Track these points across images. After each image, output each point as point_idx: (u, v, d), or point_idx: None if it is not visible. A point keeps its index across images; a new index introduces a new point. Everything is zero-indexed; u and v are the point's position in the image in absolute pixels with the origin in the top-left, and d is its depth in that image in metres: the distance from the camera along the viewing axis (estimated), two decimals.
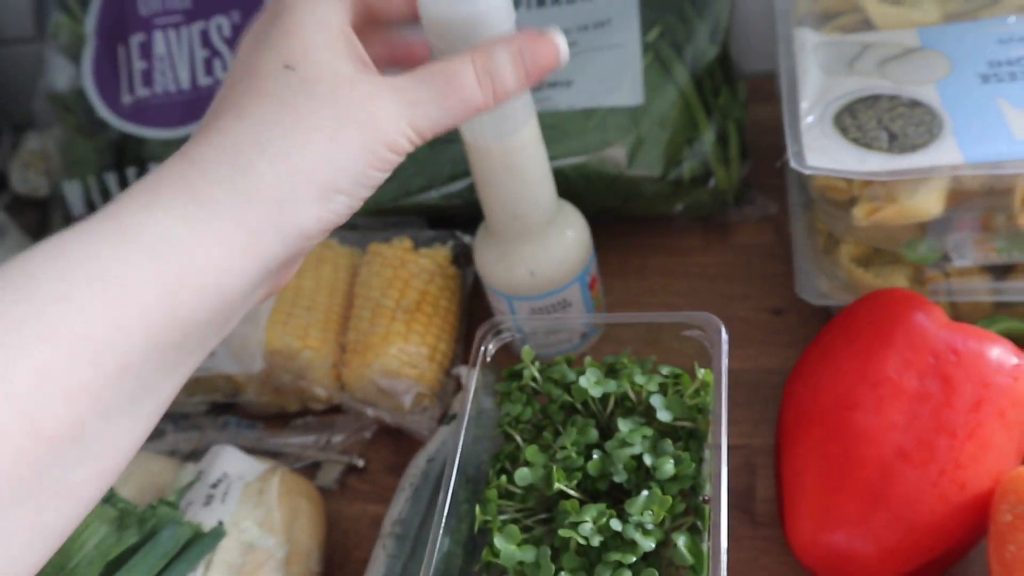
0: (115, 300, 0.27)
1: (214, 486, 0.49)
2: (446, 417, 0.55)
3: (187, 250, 0.29)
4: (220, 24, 0.70)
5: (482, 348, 0.47)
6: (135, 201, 0.30)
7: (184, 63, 0.69)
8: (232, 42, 0.69)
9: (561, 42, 0.37)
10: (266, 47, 0.33)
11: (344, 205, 0.33)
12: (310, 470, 0.56)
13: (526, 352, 0.46)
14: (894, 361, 0.44)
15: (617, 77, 0.62)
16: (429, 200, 0.62)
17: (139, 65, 0.70)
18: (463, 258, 0.61)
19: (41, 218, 0.79)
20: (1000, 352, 0.44)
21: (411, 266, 0.58)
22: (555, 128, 0.60)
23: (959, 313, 0.53)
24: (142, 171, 0.68)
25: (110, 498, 0.45)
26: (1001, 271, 0.52)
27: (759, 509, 0.51)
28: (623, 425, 0.43)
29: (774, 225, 0.64)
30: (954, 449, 0.41)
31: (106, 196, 0.69)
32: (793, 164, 0.46)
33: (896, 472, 0.42)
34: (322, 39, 0.33)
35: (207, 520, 0.48)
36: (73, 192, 0.70)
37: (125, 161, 0.69)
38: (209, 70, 0.69)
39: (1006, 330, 0.50)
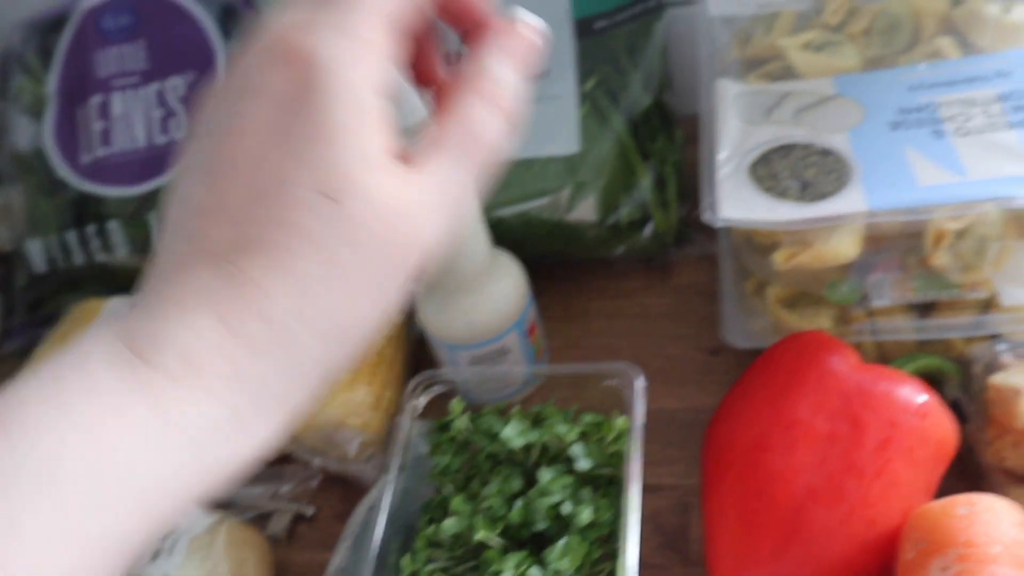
0: (150, 501, 0.26)
1: (162, 540, 0.51)
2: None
3: (226, 444, 0.27)
4: (176, 84, 0.72)
5: (412, 403, 0.49)
6: (176, 383, 0.26)
7: (140, 122, 0.71)
8: (187, 100, 0.71)
9: (536, 24, 0.31)
10: (297, 158, 0.27)
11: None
12: (261, 520, 0.58)
13: (455, 404, 0.48)
14: (806, 403, 0.46)
15: (555, 127, 0.64)
16: None
17: (98, 125, 0.72)
18: (410, 308, 0.63)
19: (6, 272, 0.80)
20: (908, 391, 0.46)
21: None
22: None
23: (884, 351, 0.55)
24: (101, 229, 0.70)
25: None
26: (922, 310, 0.54)
27: (692, 548, 0.52)
28: (544, 474, 0.44)
29: (714, 264, 0.66)
30: (862, 488, 0.43)
31: (67, 254, 0.71)
32: (705, 216, 0.48)
33: (808, 511, 0.43)
34: (362, 146, 0.27)
35: (154, 573, 0.49)
36: (35, 250, 0.72)
37: (85, 219, 0.71)
38: (165, 129, 0.71)
39: (923, 367, 0.51)
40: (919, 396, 0.45)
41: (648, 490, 0.52)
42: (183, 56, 0.72)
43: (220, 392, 0.26)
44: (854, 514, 0.43)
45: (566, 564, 0.41)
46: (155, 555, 0.50)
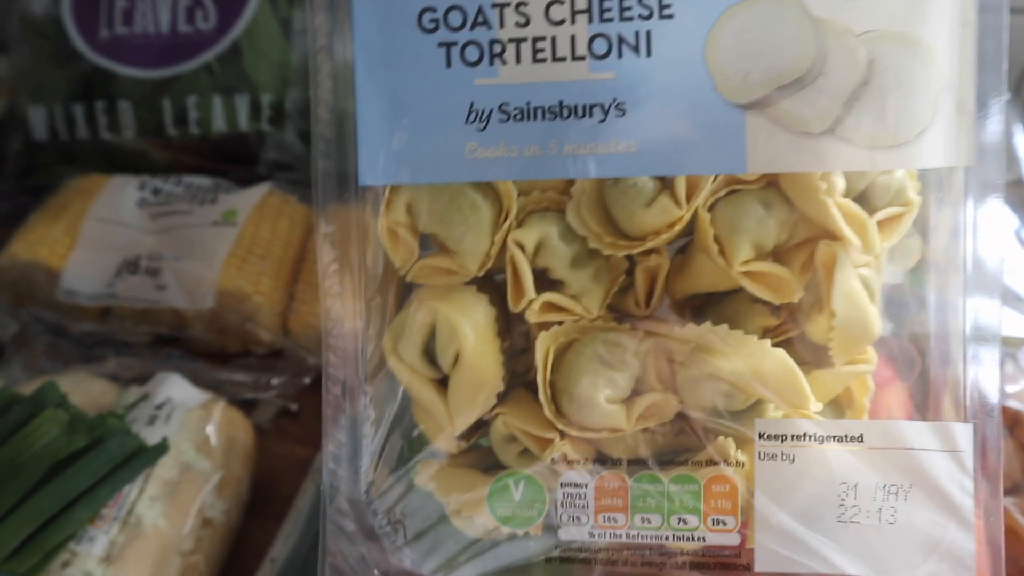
0: None
1: (159, 407, 0.52)
2: None
3: None
4: None
5: None
6: None
7: (166, 8, 0.71)
8: None
9: None
10: None
11: None
12: (246, 407, 0.60)
13: None
14: None
15: None
16: None
17: (121, 3, 0.72)
18: None
19: None
20: None
21: None
22: None
23: None
24: (111, 106, 0.70)
25: (63, 403, 0.48)
26: None
27: None
28: None
29: None
30: None
31: (71, 124, 0.71)
32: None
33: None
34: None
35: (150, 437, 0.50)
36: (37, 117, 0.72)
37: (95, 94, 0.71)
38: (191, 18, 0.71)
39: None
40: None
41: None
42: None
43: None
44: None
45: None
46: (152, 420, 0.51)
